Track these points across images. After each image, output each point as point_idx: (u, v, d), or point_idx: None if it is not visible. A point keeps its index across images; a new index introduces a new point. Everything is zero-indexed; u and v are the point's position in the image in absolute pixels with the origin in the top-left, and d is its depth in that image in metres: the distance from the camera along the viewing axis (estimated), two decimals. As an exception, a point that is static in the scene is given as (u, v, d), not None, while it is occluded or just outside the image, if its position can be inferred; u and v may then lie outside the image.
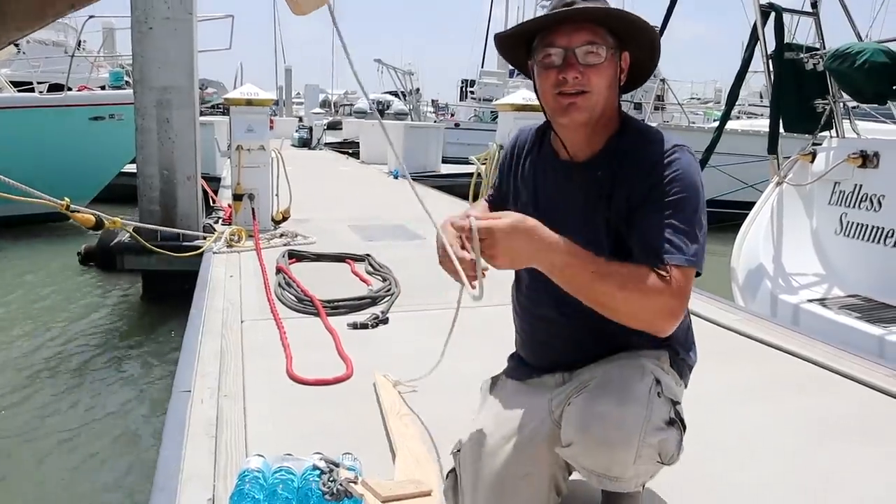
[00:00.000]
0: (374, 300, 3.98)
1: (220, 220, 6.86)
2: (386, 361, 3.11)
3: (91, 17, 10.47)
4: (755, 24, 5.07)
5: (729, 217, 6.95)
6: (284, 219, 6.53)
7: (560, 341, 1.63)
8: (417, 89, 25.81)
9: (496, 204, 1.83)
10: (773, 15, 5.08)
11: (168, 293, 6.18)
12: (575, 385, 1.54)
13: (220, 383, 2.86)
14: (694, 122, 18.63)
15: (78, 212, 4.98)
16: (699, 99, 31.88)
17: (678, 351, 1.63)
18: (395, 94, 25.34)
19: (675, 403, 1.49)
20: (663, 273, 1.39)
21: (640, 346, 1.56)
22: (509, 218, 1.33)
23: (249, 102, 6.24)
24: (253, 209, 6.13)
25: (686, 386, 1.65)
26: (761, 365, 3.27)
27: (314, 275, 4.64)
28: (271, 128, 23.64)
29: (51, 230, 10.27)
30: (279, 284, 4.25)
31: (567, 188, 1.61)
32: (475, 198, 6.92)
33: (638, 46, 1.55)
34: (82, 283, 7.43)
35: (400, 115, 22.53)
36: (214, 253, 5.38)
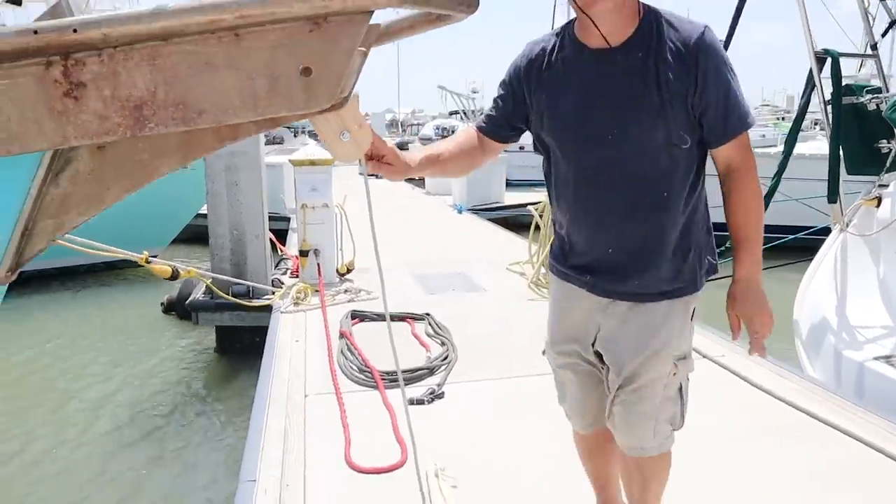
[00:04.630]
0: (431, 370, 4.10)
1: (289, 272, 7.13)
2: (441, 442, 3.22)
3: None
4: (811, 71, 5.00)
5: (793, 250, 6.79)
6: (349, 271, 6.73)
7: (605, 231, 1.86)
8: (481, 110, 26.06)
9: (496, 124, 2.01)
10: (829, 60, 5.00)
11: (241, 347, 6.49)
12: (613, 377, 1.92)
13: (283, 470, 3.03)
14: (763, 136, 18.12)
15: (156, 264, 5.32)
16: (769, 105, 30.84)
17: (710, 258, 1.93)
18: (457, 113, 25.55)
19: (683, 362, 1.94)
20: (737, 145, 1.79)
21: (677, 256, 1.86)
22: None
23: (312, 163, 6.49)
24: (318, 265, 6.35)
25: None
26: (820, 448, 3.17)
27: (375, 337, 4.79)
28: (339, 156, 24.31)
29: (136, 275, 10.84)
30: (342, 352, 4.42)
31: (607, 72, 1.77)
32: (536, 228, 6.89)
33: None
34: (163, 331, 7.82)
35: (464, 140, 22.70)
36: (282, 312, 5.61)
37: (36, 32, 1.33)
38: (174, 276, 5.19)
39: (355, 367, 4.16)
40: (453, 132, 23.86)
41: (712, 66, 1.72)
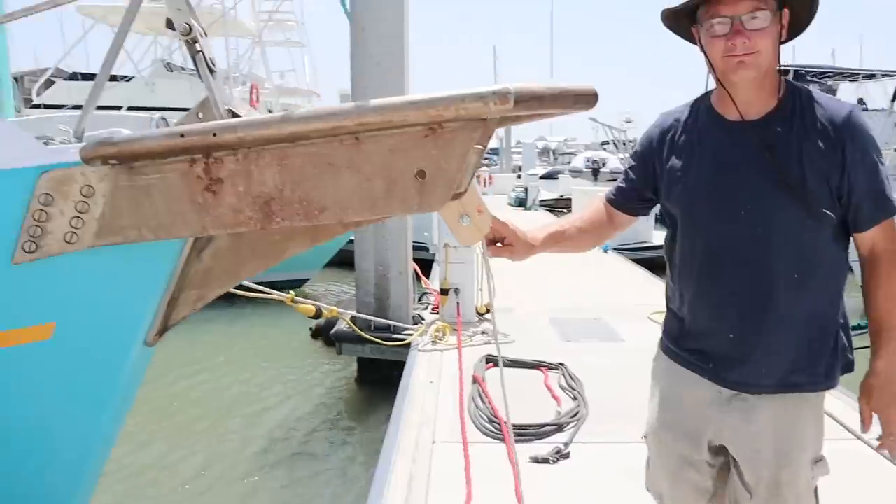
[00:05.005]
0: (559, 427, 4.03)
1: (430, 307, 7.28)
2: (562, 509, 3.16)
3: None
4: None
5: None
6: (488, 311, 6.77)
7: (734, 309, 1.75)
8: (634, 141, 25.54)
9: (626, 196, 1.99)
10: None
11: (380, 379, 6.69)
12: (747, 480, 1.78)
13: (404, 521, 3.09)
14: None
15: (300, 304, 5.61)
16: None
17: (847, 352, 1.78)
18: (608, 143, 25.13)
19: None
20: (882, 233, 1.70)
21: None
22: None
23: (457, 205, 6.61)
24: (458, 304, 6.45)
25: None
26: None
27: (510, 384, 4.75)
28: (490, 183, 24.18)
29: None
30: (473, 398, 4.45)
31: (744, 145, 1.70)
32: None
33: (798, 2, 1.68)
34: (310, 355, 8.23)
35: (616, 173, 22.35)
36: (419, 350, 5.73)
37: (182, 136, 1.48)
38: (317, 315, 5.46)
39: (485, 417, 4.17)
40: (604, 165, 23.61)
41: (860, 148, 1.65)
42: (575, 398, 4.53)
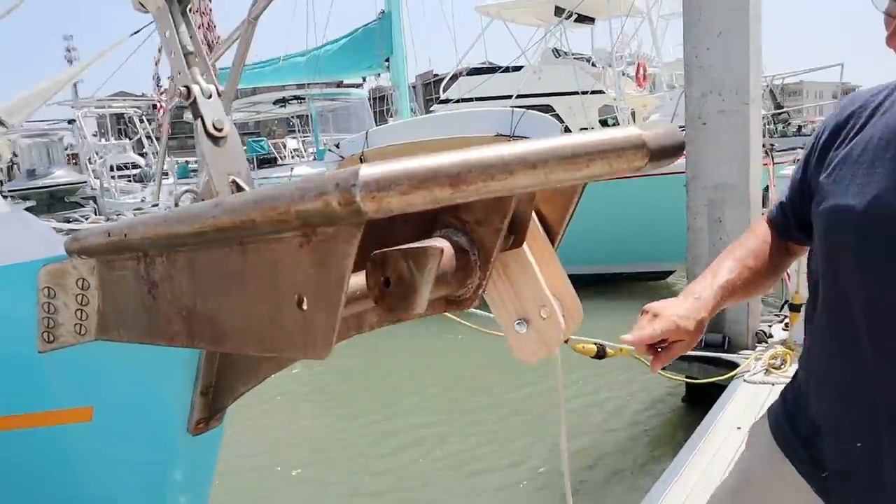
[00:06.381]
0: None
1: (785, 322, 6.13)
2: None
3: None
4: None
5: None
6: (855, 333, 5.44)
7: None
8: None
9: (794, 210, 1.41)
10: None
11: (710, 402, 5.85)
12: None
13: None
14: None
15: (577, 342, 5.13)
16: None
17: None
18: None
19: None
20: None
21: None
22: None
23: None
24: (808, 323, 5.29)
25: None
26: None
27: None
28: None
29: (658, 289, 10.83)
30: (778, 460, 3.55)
31: None
32: None
33: None
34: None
35: None
36: (745, 381, 4.83)
37: (109, 234, 1.29)
38: (600, 354, 4.90)
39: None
40: None
41: None
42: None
